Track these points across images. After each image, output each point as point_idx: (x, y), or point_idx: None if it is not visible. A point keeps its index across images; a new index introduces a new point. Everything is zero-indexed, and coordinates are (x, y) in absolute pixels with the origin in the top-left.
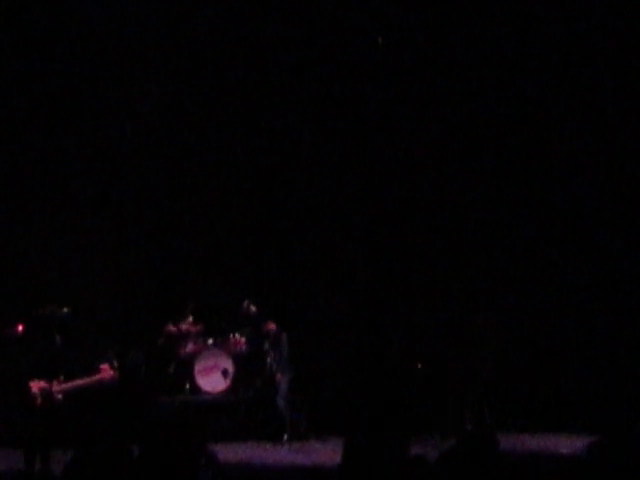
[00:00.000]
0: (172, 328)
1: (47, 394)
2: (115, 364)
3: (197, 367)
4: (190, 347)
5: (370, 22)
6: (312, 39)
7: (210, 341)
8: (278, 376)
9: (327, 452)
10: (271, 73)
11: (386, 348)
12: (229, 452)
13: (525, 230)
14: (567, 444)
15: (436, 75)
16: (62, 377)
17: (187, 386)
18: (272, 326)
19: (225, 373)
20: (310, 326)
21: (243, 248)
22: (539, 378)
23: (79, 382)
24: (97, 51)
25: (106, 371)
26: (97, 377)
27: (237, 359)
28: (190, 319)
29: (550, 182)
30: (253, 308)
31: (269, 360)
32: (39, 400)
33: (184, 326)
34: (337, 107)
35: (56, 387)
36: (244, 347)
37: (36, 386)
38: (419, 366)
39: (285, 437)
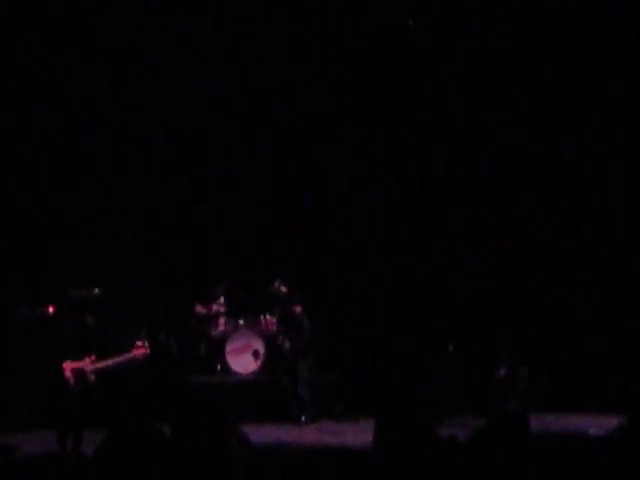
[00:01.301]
0: (201, 309)
1: (80, 375)
2: (146, 344)
3: (228, 348)
4: (221, 328)
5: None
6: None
7: (241, 322)
8: (299, 363)
9: (359, 433)
10: (296, 57)
11: (418, 329)
12: (260, 432)
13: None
14: (597, 424)
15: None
16: (94, 357)
17: (218, 367)
18: (298, 309)
19: (256, 354)
20: (343, 306)
21: (274, 228)
22: (569, 358)
23: (111, 361)
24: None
25: (139, 348)
26: (130, 355)
27: (268, 340)
28: (221, 300)
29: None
30: (284, 288)
31: (287, 345)
32: (72, 381)
33: (214, 306)
34: (367, 93)
35: (89, 367)
36: (275, 328)
37: (69, 367)
38: (450, 348)
39: (303, 419)
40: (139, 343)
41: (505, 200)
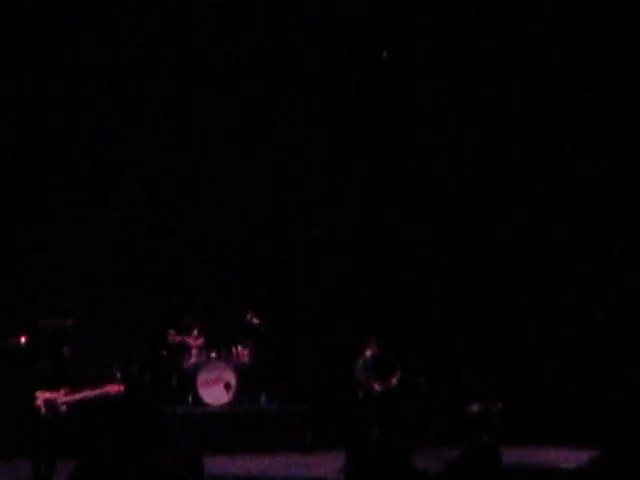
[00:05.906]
0: (175, 337)
1: (52, 405)
2: (119, 377)
3: (200, 379)
4: (193, 359)
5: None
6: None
7: (213, 354)
8: None
9: (330, 465)
10: (273, 87)
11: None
12: (231, 464)
13: (529, 240)
14: (570, 458)
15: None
16: (68, 388)
17: (190, 398)
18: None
19: (227, 386)
20: (313, 337)
21: (247, 259)
22: (542, 392)
23: (85, 394)
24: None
25: (113, 384)
26: (104, 390)
27: (240, 371)
28: (195, 332)
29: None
30: (256, 320)
31: None
32: (43, 410)
33: (189, 339)
34: (344, 121)
35: (62, 398)
36: (247, 359)
37: (42, 396)
38: (422, 380)
39: None
40: (111, 384)
41: (477, 231)
